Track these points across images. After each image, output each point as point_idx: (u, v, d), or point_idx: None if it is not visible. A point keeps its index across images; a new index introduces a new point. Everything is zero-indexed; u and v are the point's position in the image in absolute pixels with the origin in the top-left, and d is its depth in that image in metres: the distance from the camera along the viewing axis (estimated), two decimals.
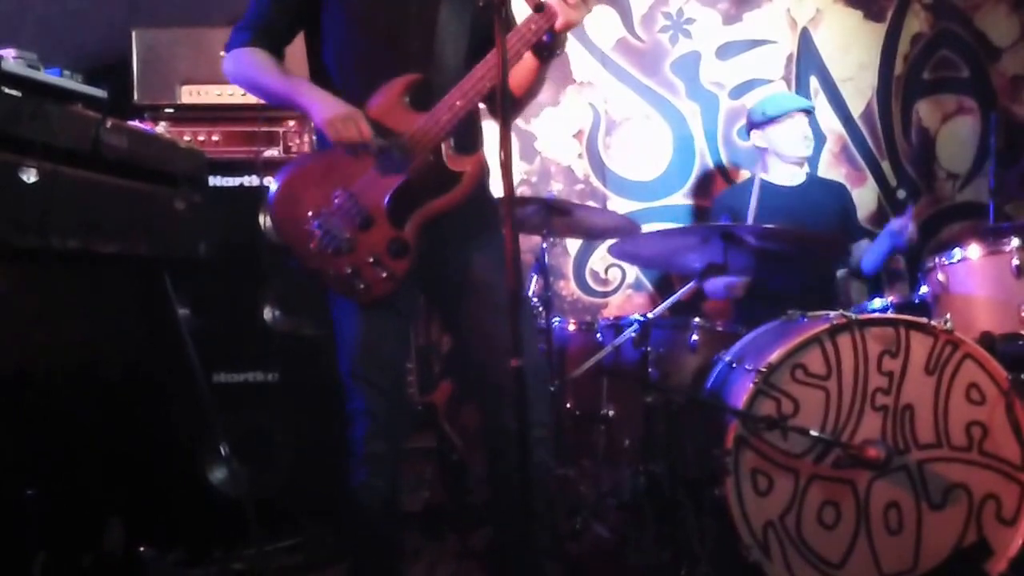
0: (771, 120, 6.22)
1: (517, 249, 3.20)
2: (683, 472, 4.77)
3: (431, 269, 3.90)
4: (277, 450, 5.25)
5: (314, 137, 5.00)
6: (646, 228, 6.34)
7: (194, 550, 4.84)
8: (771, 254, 5.10)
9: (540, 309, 5.48)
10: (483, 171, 3.86)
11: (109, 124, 4.25)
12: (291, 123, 5.42)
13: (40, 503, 4.07)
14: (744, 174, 6.86)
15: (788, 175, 6.27)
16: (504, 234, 3.84)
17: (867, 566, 4.33)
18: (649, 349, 5.16)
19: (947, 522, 4.35)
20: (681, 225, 6.68)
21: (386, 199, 3.74)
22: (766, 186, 6.20)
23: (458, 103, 3.71)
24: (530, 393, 3.31)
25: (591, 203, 6.70)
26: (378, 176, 3.74)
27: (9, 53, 3.91)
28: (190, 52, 5.47)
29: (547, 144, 6.89)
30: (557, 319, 5.73)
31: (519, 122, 6.43)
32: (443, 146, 3.74)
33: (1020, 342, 4.60)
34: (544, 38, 3.75)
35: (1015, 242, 4.65)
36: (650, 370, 5.18)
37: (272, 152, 5.43)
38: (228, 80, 4.10)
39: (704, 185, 6.96)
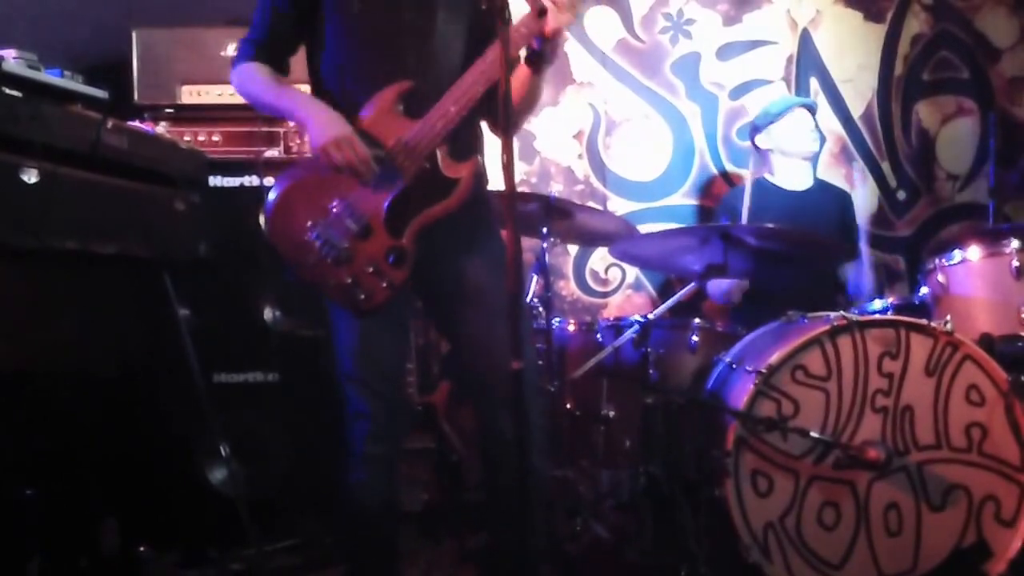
0: (775, 117, 6.22)
1: (519, 251, 3.20)
2: (683, 473, 4.78)
3: (426, 273, 3.89)
4: (276, 450, 5.24)
5: None
6: (646, 228, 6.35)
7: (192, 550, 4.85)
8: (771, 255, 5.09)
9: (540, 309, 5.48)
10: (478, 177, 3.86)
11: (109, 124, 4.25)
12: (291, 123, 5.41)
13: (38, 503, 4.07)
14: (744, 174, 6.85)
15: (795, 178, 6.27)
16: (501, 237, 3.88)
17: (867, 567, 4.34)
18: (649, 350, 5.16)
19: (946, 523, 4.36)
20: (681, 226, 6.67)
21: (384, 208, 3.74)
22: (771, 188, 6.21)
23: (452, 109, 3.70)
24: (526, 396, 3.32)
25: (591, 203, 6.69)
26: (375, 185, 3.74)
27: (9, 53, 3.91)
28: (190, 52, 5.47)
29: (547, 144, 6.88)
30: (557, 319, 5.73)
31: None
32: (439, 153, 3.74)
33: (1020, 343, 4.61)
34: (534, 45, 3.75)
35: (1015, 244, 4.65)
36: (650, 371, 5.18)
37: (272, 152, 5.43)
38: (236, 92, 4.11)
39: (704, 186, 6.96)
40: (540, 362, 5.27)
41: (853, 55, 7.02)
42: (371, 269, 3.73)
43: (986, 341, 4.57)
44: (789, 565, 4.31)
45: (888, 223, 7.02)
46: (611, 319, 5.71)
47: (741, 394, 4.40)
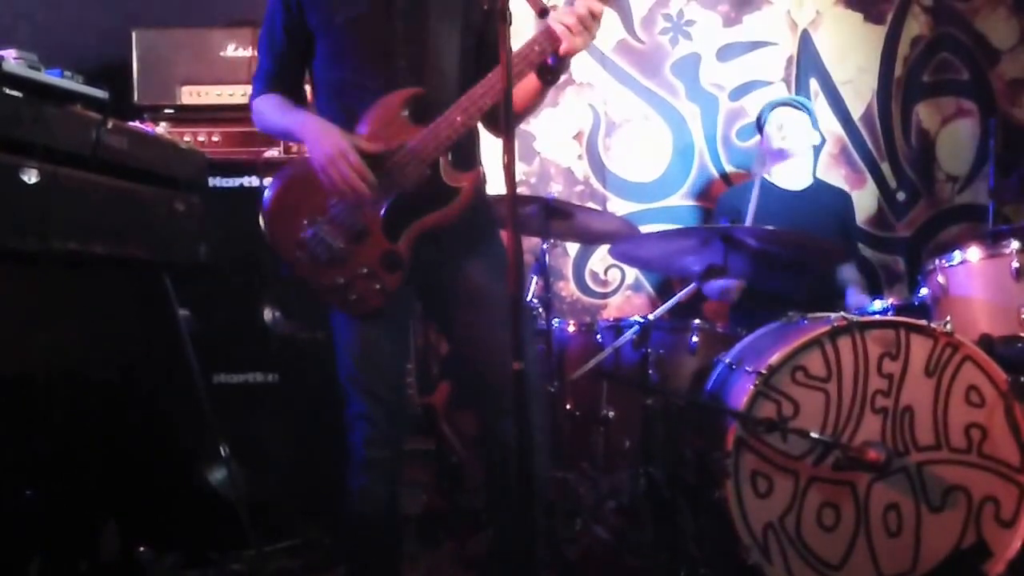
0: (762, 121, 6.28)
1: (520, 253, 3.20)
2: (683, 474, 4.77)
3: (426, 277, 3.90)
4: (276, 452, 5.25)
5: None
6: (646, 229, 6.34)
7: (192, 552, 4.84)
8: (771, 256, 5.10)
9: (540, 310, 5.48)
10: (479, 187, 3.87)
11: (110, 125, 4.25)
12: None
13: (38, 505, 4.07)
14: (743, 175, 6.86)
15: (793, 178, 6.28)
16: (500, 240, 3.88)
17: (866, 568, 4.33)
18: (649, 351, 5.18)
19: (946, 524, 4.36)
20: (681, 227, 6.67)
21: (382, 211, 3.74)
22: (770, 188, 6.22)
23: (459, 119, 3.70)
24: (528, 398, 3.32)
25: (591, 204, 6.70)
26: (375, 188, 3.74)
27: (10, 54, 3.91)
28: (190, 53, 5.48)
29: (546, 145, 6.89)
30: (557, 320, 5.73)
31: None
32: (441, 161, 3.74)
33: (1019, 344, 4.60)
34: (548, 61, 3.76)
35: (1014, 245, 4.65)
36: (650, 372, 5.19)
37: (272, 153, 5.43)
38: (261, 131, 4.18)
39: (703, 186, 6.96)
40: (540, 363, 5.29)
41: (853, 56, 7.02)
42: (365, 272, 3.74)
43: (986, 342, 4.57)
44: (789, 566, 4.31)
45: (888, 224, 7.03)
46: (611, 320, 5.73)
47: (741, 395, 4.40)
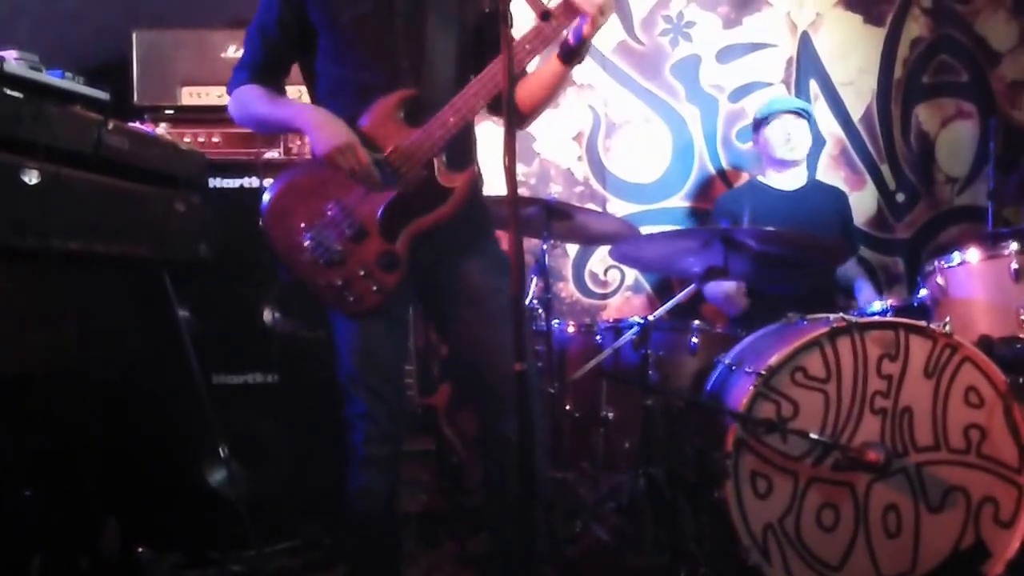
0: (762, 121, 6.27)
1: (521, 253, 3.20)
2: (682, 475, 4.77)
3: (424, 278, 3.92)
4: (276, 452, 5.24)
5: None
6: (645, 231, 6.35)
7: (192, 552, 4.84)
8: (771, 257, 5.10)
9: (540, 311, 5.48)
10: (473, 187, 3.88)
11: (110, 126, 4.25)
12: None
13: (38, 504, 4.07)
14: (743, 177, 6.86)
15: (786, 179, 6.30)
16: (497, 240, 3.89)
17: (866, 568, 4.34)
18: (649, 352, 5.18)
19: (945, 524, 4.36)
20: (681, 228, 6.68)
21: (379, 212, 3.76)
22: (765, 189, 6.23)
23: (451, 119, 3.72)
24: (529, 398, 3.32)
25: (591, 205, 6.70)
26: (371, 190, 3.75)
27: (11, 55, 3.91)
28: (191, 54, 5.48)
29: (546, 146, 6.89)
30: (556, 321, 5.73)
31: None
32: (436, 161, 3.76)
33: (1018, 345, 4.60)
34: (571, 41, 3.78)
35: (1014, 246, 4.66)
36: (650, 372, 5.19)
37: (272, 154, 5.43)
38: (234, 122, 4.16)
39: (703, 188, 6.96)
40: (540, 364, 5.29)
41: (853, 58, 7.03)
42: (362, 272, 3.76)
43: (985, 343, 4.58)
44: (788, 566, 4.31)
45: (887, 226, 7.04)
46: (610, 321, 5.73)
47: (741, 396, 4.40)
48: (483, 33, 3.97)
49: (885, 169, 7.05)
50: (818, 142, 6.75)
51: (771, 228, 5.03)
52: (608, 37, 6.89)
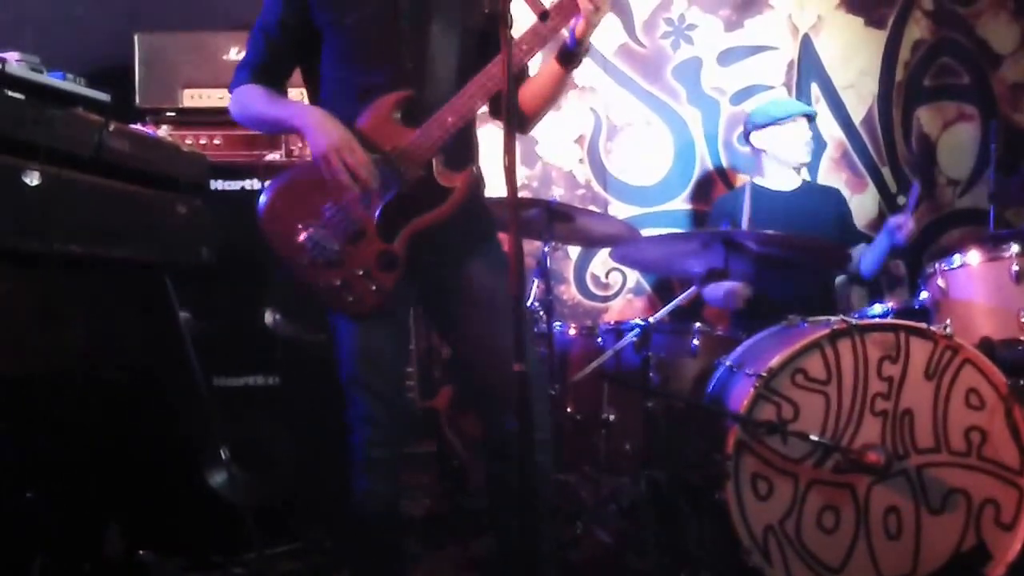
0: (775, 122, 6.23)
1: (521, 254, 3.21)
2: (684, 477, 4.80)
3: (427, 279, 3.92)
4: (277, 455, 5.24)
5: None
6: (647, 233, 6.35)
7: (194, 555, 4.84)
8: (772, 260, 5.11)
9: (541, 313, 5.48)
10: (472, 188, 3.87)
11: (112, 128, 4.25)
12: None
13: (40, 507, 4.08)
14: (744, 179, 6.86)
15: (784, 180, 6.29)
16: (499, 241, 3.89)
17: (866, 570, 4.34)
18: (650, 354, 5.19)
19: (946, 527, 4.37)
20: (682, 230, 6.69)
21: (377, 213, 3.76)
22: (761, 191, 6.21)
23: (450, 120, 3.72)
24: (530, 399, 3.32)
25: (592, 207, 6.70)
26: (368, 190, 3.76)
27: (12, 56, 3.91)
28: (192, 56, 5.49)
29: (548, 149, 6.89)
30: (558, 324, 5.73)
31: None
32: (434, 162, 3.76)
33: (1019, 348, 4.61)
34: (568, 44, 3.78)
35: (1015, 248, 4.66)
36: (651, 375, 5.20)
37: (274, 156, 5.45)
38: (235, 122, 4.15)
39: (705, 190, 6.97)
40: (542, 365, 5.30)
41: (854, 61, 7.04)
42: (361, 273, 3.75)
43: (986, 345, 4.58)
44: (789, 568, 4.31)
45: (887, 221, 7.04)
46: (612, 323, 5.73)
47: (741, 398, 4.40)
48: (486, 35, 3.97)
49: (886, 172, 7.05)
50: (819, 145, 6.75)
51: (771, 230, 5.04)
52: (609, 40, 6.90)
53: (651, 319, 5.30)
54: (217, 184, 5.33)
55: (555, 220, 5.46)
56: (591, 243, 6.54)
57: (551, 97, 4.00)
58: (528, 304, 5.53)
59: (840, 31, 7.02)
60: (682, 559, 4.62)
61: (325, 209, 3.77)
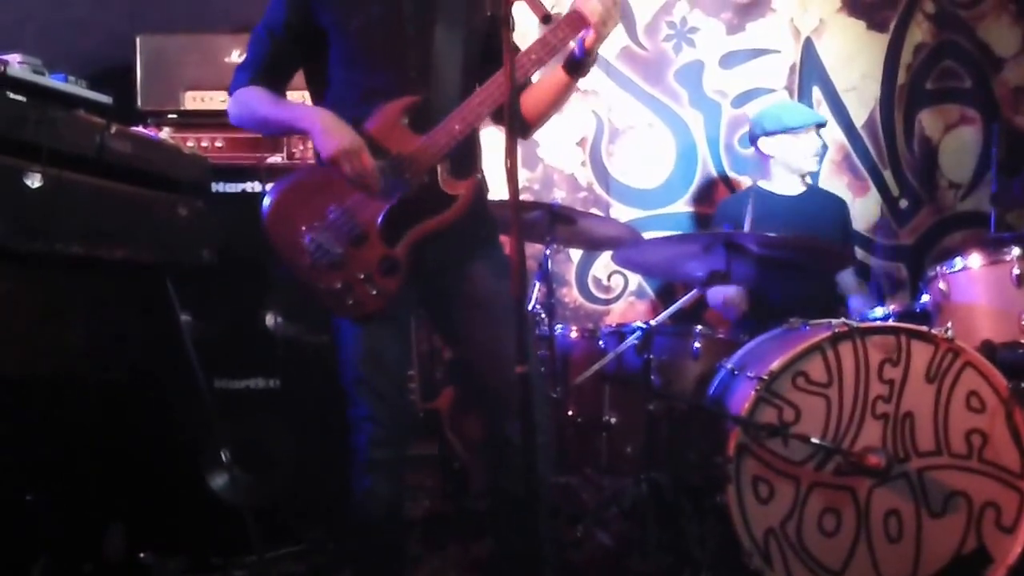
0: (787, 131, 6.20)
1: (522, 256, 3.21)
2: (685, 479, 4.79)
3: (430, 282, 3.93)
4: (278, 456, 5.24)
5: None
6: (649, 236, 6.35)
7: (195, 557, 4.84)
8: (774, 262, 5.10)
9: (543, 316, 5.48)
10: (476, 195, 3.87)
11: (113, 130, 4.26)
12: None
13: (41, 508, 4.08)
14: (746, 182, 6.86)
15: (789, 184, 6.28)
16: (502, 245, 3.90)
17: (867, 573, 4.35)
18: (651, 356, 5.17)
19: (947, 530, 4.37)
20: (683, 232, 6.69)
21: (380, 217, 3.76)
22: (766, 195, 6.21)
23: (456, 127, 3.73)
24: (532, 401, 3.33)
25: (594, 210, 6.70)
26: (373, 195, 3.76)
27: (14, 59, 3.91)
28: (194, 58, 5.49)
29: (550, 152, 6.88)
30: (560, 326, 5.73)
31: None
32: (439, 168, 3.76)
33: (1020, 351, 4.61)
34: (576, 54, 3.78)
35: (1016, 251, 4.66)
36: (652, 377, 5.18)
37: (275, 158, 5.45)
38: (233, 124, 4.15)
39: (707, 193, 6.96)
40: (543, 368, 5.29)
41: (856, 64, 7.03)
42: (362, 276, 3.75)
43: (987, 348, 4.58)
44: (790, 571, 4.32)
45: (891, 231, 7.03)
46: (613, 325, 5.73)
47: (742, 400, 4.41)
48: (491, 39, 3.97)
49: (888, 175, 7.04)
50: (821, 148, 6.74)
51: (773, 233, 5.03)
52: (612, 43, 6.87)
53: (653, 322, 5.29)
54: (219, 186, 5.32)
55: (557, 223, 5.46)
56: (593, 246, 6.53)
57: (554, 104, 4.02)
58: (530, 307, 5.54)
59: (842, 34, 7.02)
60: (683, 561, 4.62)
61: (329, 211, 3.77)
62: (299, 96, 4.49)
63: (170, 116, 5.45)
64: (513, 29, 3.29)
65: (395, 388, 3.97)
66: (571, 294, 6.92)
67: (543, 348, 5.30)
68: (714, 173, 7.00)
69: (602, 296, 6.95)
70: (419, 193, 3.76)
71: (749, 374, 4.51)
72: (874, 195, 7.04)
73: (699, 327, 5.47)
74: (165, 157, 4.66)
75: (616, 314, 6.91)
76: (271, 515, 4.95)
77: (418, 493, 5.43)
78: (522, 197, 6.19)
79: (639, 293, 6.96)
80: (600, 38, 3.75)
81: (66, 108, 4.08)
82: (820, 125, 6.30)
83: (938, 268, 4.95)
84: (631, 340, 5.26)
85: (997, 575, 4.37)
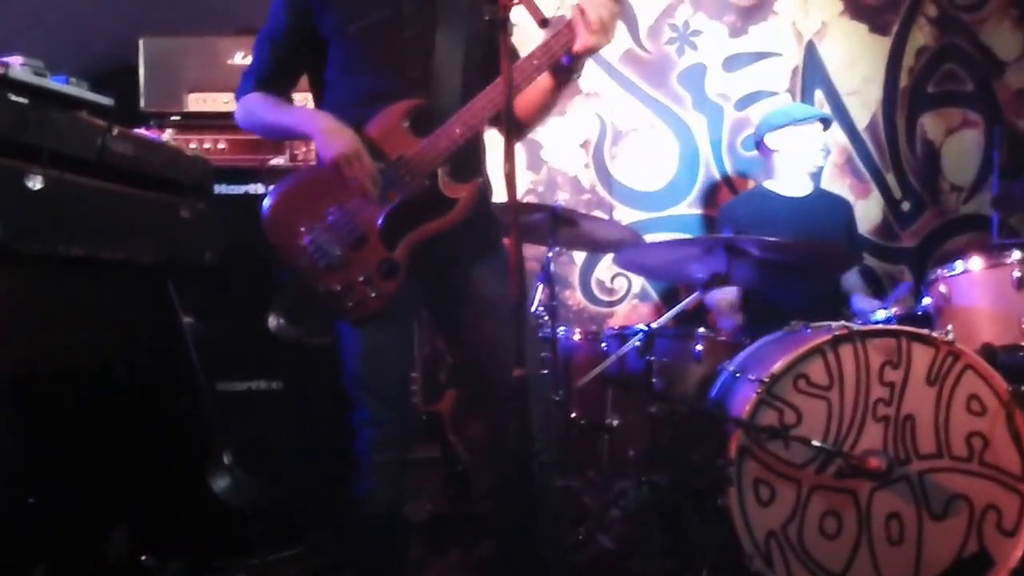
0: (793, 122, 6.18)
1: (521, 260, 3.21)
2: (686, 482, 4.79)
3: (433, 285, 3.93)
4: (281, 459, 5.24)
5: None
6: (652, 238, 6.35)
7: (197, 559, 4.84)
8: (775, 266, 5.10)
9: (546, 318, 5.48)
10: (478, 199, 3.86)
11: (115, 132, 4.25)
12: None
13: (43, 510, 4.08)
14: (749, 184, 6.86)
15: (795, 185, 6.27)
16: (506, 249, 3.89)
17: None
18: (653, 359, 5.17)
19: (948, 532, 4.37)
20: (685, 236, 6.69)
21: (380, 220, 3.76)
22: (771, 196, 6.21)
23: (458, 131, 3.73)
24: (531, 404, 3.33)
25: (597, 212, 6.71)
26: (372, 199, 3.76)
27: (16, 60, 3.91)
28: (197, 60, 5.49)
29: (554, 154, 6.89)
30: (563, 328, 5.73)
31: None
32: (440, 171, 3.76)
33: (1021, 353, 4.62)
34: (563, 60, 3.78)
35: (1016, 255, 4.68)
36: (654, 380, 5.19)
37: (278, 160, 5.45)
38: (241, 128, 4.15)
39: (709, 195, 6.97)
40: (546, 371, 5.30)
41: (858, 67, 7.04)
42: (362, 279, 3.76)
43: (988, 351, 4.59)
44: (791, 574, 4.32)
45: (893, 234, 7.04)
46: (616, 328, 5.73)
47: (744, 403, 4.41)
48: (491, 44, 3.96)
49: (890, 178, 7.05)
50: (825, 151, 6.74)
51: (773, 236, 5.03)
52: (615, 45, 6.86)
53: (654, 324, 5.29)
54: (221, 188, 5.32)
55: (559, 225, 5.47)
56: (595, 248, 6.54)
57: (543, 107, 3.99)
58: (532, 309, 5.54)
59: (844, 37, 7.03)
60: (685, 564, 4.62)
61: (328, 213, 3.77)
62: (300, 99, 4.49)
63: (173, 118, 5.45)
64: (511, 33, 3.29)
65: (396, 391, 3.97)
66: (575, 296, 6.93)
67: (546, 350, 5.30)
68: (717, 175, 7.00)
69: (606, 298, 6.96)
70: (420, 196, 3.76)
71: (750, 377, 4.51)
72: (876, 198, 7.05)
73: (701, 330, 5.45)
74: (167, 159, 4.66)
75: (620, 316, 6.92)
76: (273, 517, 4.95)
77: (420, 495, 5.42)
78: (526, 199, 6.32)
79: (643, 295, 6.96)
80: (588, 50, 3.72)
81: (68, 110, 4.07)
82: (825, 120, 6.30)
83: (939, 271, 4.96)
84: (633, 342, 5.26)
85: None
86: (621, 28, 6.88)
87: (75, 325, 4.24)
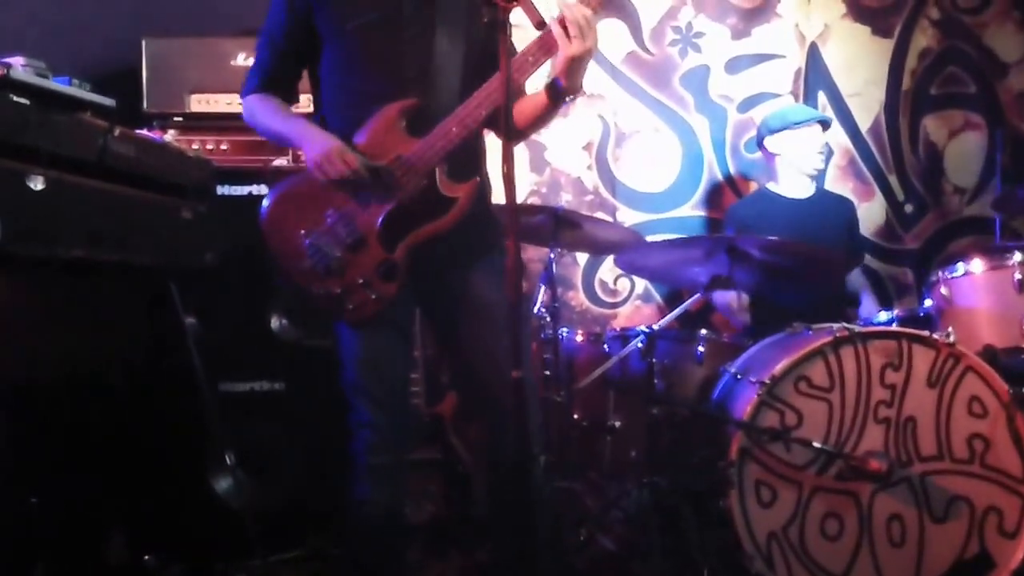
0: (790, 126, 6.18)
1: (519, 261, 3.20)
2: (688, 483, 4.79)
3: (431, 286, 3.92)
4: (281, 460, 5.24)
5: None
6: (655, 240, 6.34)
7: (197, 561, 4.84)
8: (777, 268, 5.11)
9: (548, 319, 5.48)
10: (476, 198, 3.84)
11: (116, 133, 4.25)
12: None
13: (43, 512, 4.09)
14: (752, 186, 6.86)
15: (798, 187, 6.27)
16: (505, 252, 3.88)
17: None
18: (655, 361, 5.18)
19: (949, 534, 4.38)
20: (684, 236, 6.68)
21: (379, 221, 3.75)
22: (776, 198, 6.21)
23: (453, 130, 3.70)
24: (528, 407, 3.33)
25: (600, 214, 6.71)
26: (371, 198, 3.75)
27: (18, 61, 3.91)
28: (199, 61, 5.50)
29: (557, 155, 6.88)
30: (565, 330, 5.73)
31: None
32: (437, 171, 3.75)
33: (1022, 356, 4.62)
34: (558, 83, 3.75)
35: (1018, 257, 4.68)
36: (656, 381, 5.19)
37: (280, 161, 5.44)
38: (248, 128, 4.17)
39: (712, 197, 6.96)
40: (547, 372, 5.30)
41: (861, 69, 7.04)
42: (361, 281, 3.75)
43: (989, 353, 4.59)
44: (793, 575, 4.32)
45: (896, 236, 7.04)
46: (618, 329, 5.73)
47: (745, 405, 4.41)
48: (490, 45, 3.95)
49: (893, 180, 7.05)
50: (826, 153, 6.74)
51: (774, 238, 5.04)
52: (617, 47, 6.90)
53: (656, 326, 5.29)
54: (224, 189, 5.32)
55: (561, 226, 5.47)
56: (597, 250, 6.54)
57: (537, 121, 3.95)
58: (535, 310, 5.54)
59: (847, 40, 7.02)
60: (686, 565, 4.62)
61: (327, 216, 3.77)
62: (307, 98, 4.50)
63: (175, 119, 5.45)
64: (510, 34, 3.29)
65: (395, 394, 3.96)
66: (578, 298, 6.92)
67: (548, 352, 5.30)
68: (720, 177, 7.00)
69: (609, 300, 6.95)
70: (418, 197, 3.74)
71: (751, 379, 4.52)
72: (879, 200, 7.04)
73: (703, 331, 5.45)
74: (169, 160, 4.66)
75: (623, 318, 6.91)
76: (274, 519, 4.95)
77: (421, 498, 5.42)
78: (530, 200, 6.29)
79: (646, 297, 6.96)
80: (569, 61, 3.67)
81: (69, 111, 4.07)
82: (824, 122, 6.29)
83: (940, 273, 4.97)
84: (634, 344, 5.26)
85: None
86: (624, 30, 6.88)
87: (77, 326, 4.25)
